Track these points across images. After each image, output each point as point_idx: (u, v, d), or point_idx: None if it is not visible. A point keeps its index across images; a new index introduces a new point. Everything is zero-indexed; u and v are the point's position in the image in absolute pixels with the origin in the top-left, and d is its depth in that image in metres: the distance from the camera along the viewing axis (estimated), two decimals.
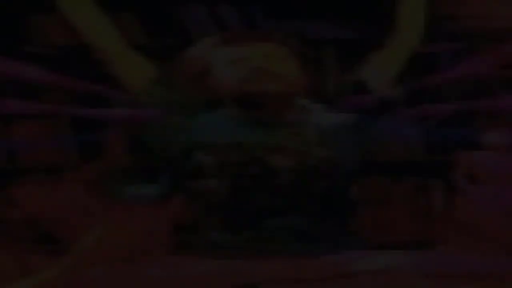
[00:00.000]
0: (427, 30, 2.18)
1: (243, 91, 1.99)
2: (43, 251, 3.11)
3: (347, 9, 3.62)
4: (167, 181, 2.05)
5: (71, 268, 1.92)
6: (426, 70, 3.16)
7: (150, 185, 2.07)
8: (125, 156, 3.25)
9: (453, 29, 3.57)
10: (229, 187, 1.94)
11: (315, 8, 3.63)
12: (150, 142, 2.06)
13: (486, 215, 2.95)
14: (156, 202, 2.06)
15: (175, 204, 2.08)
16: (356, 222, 2.08)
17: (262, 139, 1.98)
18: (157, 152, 2.05)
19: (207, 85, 2.06)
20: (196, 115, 2.05)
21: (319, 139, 2.00)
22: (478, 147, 3.19)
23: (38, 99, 3.37)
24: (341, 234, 1.99)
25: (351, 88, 2.12)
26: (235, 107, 2.03)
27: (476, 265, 1.81)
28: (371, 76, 2.11)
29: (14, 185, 3.37)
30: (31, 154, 3.51)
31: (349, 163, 2.02)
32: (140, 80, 2.07)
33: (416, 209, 3.55)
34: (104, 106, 2.86)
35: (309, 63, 2.09)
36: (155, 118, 2.04)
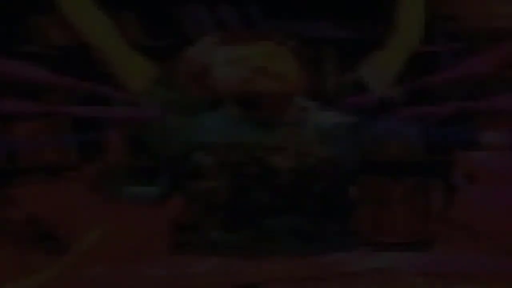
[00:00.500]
0: (427, 30, 2.18)
1: (243, 91, 1.99)
2: (43, 251, 3.11)
3: (347, 9, 3.62)
4: (167, 181, 2.05)
5: (71, 267, 1.92)
6: (426, 70, 3.16)
7: (150, 185, 2.07)
8: (125, 156, 3.25)
9: (453, 29, 3.57)
10: (229, 187, 1.94)
11: (315, 8, 3.63)
12: (150, 142, 2.06)
13: (485, 214, 2.96)
14: (156, 202, 2.06)
15: (175, 204, 2.08)
16: (356, 222, 2.08)
17: (262, 139, 1.98)
18: (157, 152, 2.05)
19: (207, 85, 2.06)
20: (196, 115, 2.05)
21: (319, 139, 2.00)
22: (478, 147, 3.19)
23: (38, 99, 3.37)
24: (341, 234, 1.99)
25: (351, 88, 2.12)
26: (235, 107, 2.03)
27: (475, 264, 1.81)
28: (371, 76, 2.11)
29: (14, 185, 3.37)
30: (31, 154, 3.51)
31: (349, 163, 2.02)
32: (140, 80, 2.07)
33: (416, 209, 3.55)
34: (104, 106, 2.86)
35: (309, 63, 2.09)
36: (155, 118, 2.04)
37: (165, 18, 3.61)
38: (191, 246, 1.97)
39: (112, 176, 3.13)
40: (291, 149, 1.97)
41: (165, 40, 3.52)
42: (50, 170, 3.41)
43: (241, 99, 2.01)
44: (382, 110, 2.10)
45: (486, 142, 3.24)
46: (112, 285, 1.78)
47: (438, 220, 3.41)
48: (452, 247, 2.94)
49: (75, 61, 3.33)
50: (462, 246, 2.85)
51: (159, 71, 2.10)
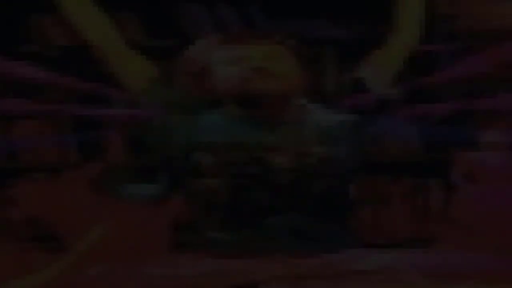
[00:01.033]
0: (427, 30, 2.18)
1: (243, 91, 1.99)
2: (43, 251, 3.11)
3: (347, 9, 3.62)
4: (167, 180, 2.05)
5: (71, 267, 1.92)
6: (426, 70, 3.16)
7: (150, 184, 2.07)
8: (125, 156, 3.25)
9: (453, 29, 3.58)
10: (229, 186, 1.94)
11: (315, 8, 3.63)
12: (150, 142, 2.06)
13: (484, 214, 2.96)
14: (156, 201, 2.06)
15: (175, 204, 2.08)
16: (356, 222, 2.08)
17: (262, 138, 1.98)
18: (157, 151, 2.05)
19: (207, 85, 2.06)
20: (196, 115, 2.05)
21: (319, 138, 2.00)
22: (477, 147, 3.19)
23: (38, 99, 3.37)
24: (340, 234, 1.99)
25: (350, 88, 2.12)
26: (235, 107, 2.03)
27: (475, 264, 1.81)
28: (370, 75, 2.12)
29: (14, 185, 3.37)
30: (31, 154, 3.51)
31: (349, 162, 2.02)
32: (140, 80, 2.07)
33: (415, 209, 3.55)
34: (104, 106, 2.87)
35: (309, 63, 2.09)
36: (155, 118, 2.04)
37: (165, 18, 3.62)
38: (191, 245, 1.98)
39: (112, 175, 3.13)
40: (291, 149, 1.97)
41: (165, 40, 3.52)
42: (50, 170, 3.42)
43: (241, 99, 2.01)
44: (382, 110, 2.10)
45: (486, 142, 3.24)
46: (112, 285, 1.78)
47: (437, 219, 3.41)
48: (452, 246, 2.94)
49: (75, 61, 3.34)
50: (462, 246, 2.85)
51: (159, 71, 2.10)
